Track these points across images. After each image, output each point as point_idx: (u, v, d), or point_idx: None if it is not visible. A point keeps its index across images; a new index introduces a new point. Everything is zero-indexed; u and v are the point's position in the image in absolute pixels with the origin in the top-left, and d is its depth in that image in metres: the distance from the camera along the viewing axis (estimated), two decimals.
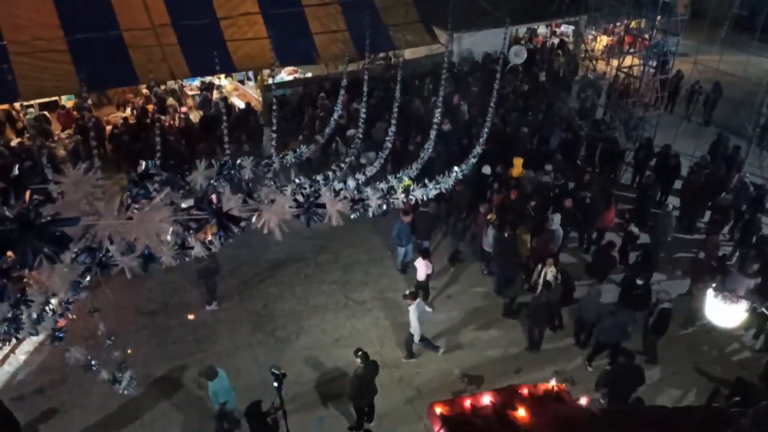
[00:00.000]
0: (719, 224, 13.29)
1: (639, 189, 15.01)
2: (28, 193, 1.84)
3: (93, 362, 4.65)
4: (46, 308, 2.99)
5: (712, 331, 10.57)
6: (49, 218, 1.77)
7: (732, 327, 8.29)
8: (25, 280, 2.45)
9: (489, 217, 12.06)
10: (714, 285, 8.17)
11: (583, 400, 7.29)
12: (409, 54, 19.88)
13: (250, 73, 20.36)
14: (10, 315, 2.64)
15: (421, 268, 11.36)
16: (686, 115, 19.69)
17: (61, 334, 3.58)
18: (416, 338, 10.29)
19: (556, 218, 12.27)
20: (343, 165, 6.21)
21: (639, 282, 10.66)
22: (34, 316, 2.93)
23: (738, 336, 11.07)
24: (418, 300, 9.98)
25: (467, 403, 6.32)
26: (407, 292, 10.14)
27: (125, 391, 5.84)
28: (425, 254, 11.42)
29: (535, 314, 10.61)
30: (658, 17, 16.43)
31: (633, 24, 17.61)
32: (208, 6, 17.26)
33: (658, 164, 15.23)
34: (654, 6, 15.96)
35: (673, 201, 14.56)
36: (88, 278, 2.71)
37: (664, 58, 17.76)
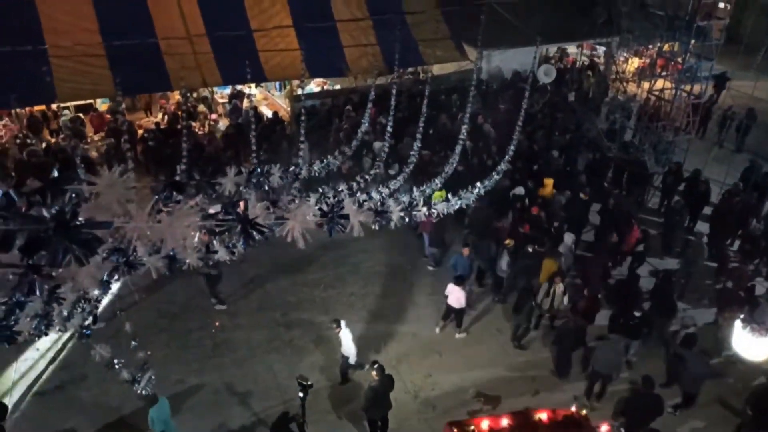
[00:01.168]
0: (749, 254, 12.98)
1: (666, 214, 14.75)
2: (66, 195, 1.90)
3: (116, 361, 4.72)
4: (77, 306, 3.06)
5: (738, 362, 10.27)
6: (82, 221, 1.82)
7: (760, 360, 8.07)
8: (56, 276, 2.52)
9: (507, 242, 11.86)
10: (742, 316, 7.98)
11: (604, 428, 7.13)
12: (437, 69, 19.96)
13: (276, 84, 20.65)
14: (41, 311, 2.71)
15: (455, 295, 10.95)
16: (718, 140, 19.34)
17: (88, 332, 3.66)
18: (351, 359, 9.98)
19: (568, 238, 12.09)
20: (368, 177, 6.24)
21: (636, 314, 10.47)
22: (65, 313, 3.00)
23: (766, 370, 10.74)
24: (344, 326, 9.74)
25: (484, 424, 6.23)
26: (332, 322, 9.93)
27: (143, 392, 5.91)
28: (459, 281, 10.96)
29: (562, 340, 10.45)
30: (692, 41, 16.23)
31: (666, 47, 17.41)
32: (242, 18, 17.59)
33: (687, 189, 14.97)
34: (688, 30, 15.77)
35: (701, 227, 14.29)
36: (116, 277, 2.78)
37: (710, 82, 17.31)
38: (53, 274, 2.13)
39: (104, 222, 1.86)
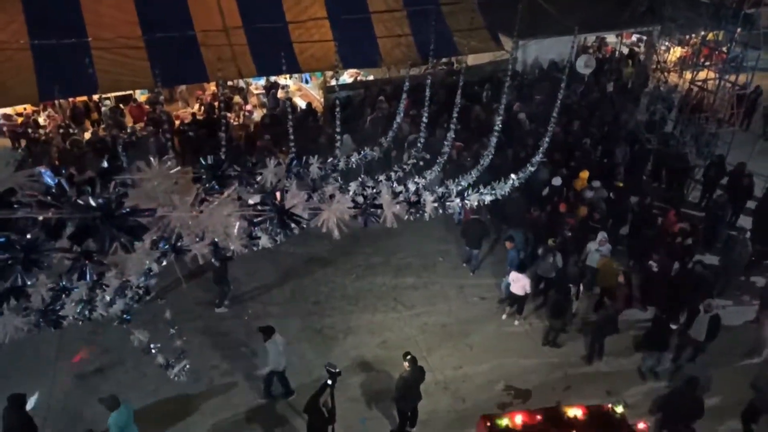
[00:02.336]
0: None
1: (708, 208, 14.33)
2: (112, 184, 1.97)
3: (152, 346, 4.86)
4: (121, 292, 3.17)
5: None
6: (128, 209, 1.88)
7: None
8: (106, 263, 2.61)
9: (549, 242, 11.67)
10: None
11: (641, 426, 7.00)
12: (472, 60, 19.73)
13: (307, 75, 20.73)
14: (86, 297, 2.82)
15: (520, 282, 11.01)
16: (763, 133, 18.64)
17: (128, 317, 3.77)
18: (266, 370, 9.59)
19: (601, 235, 11.76)
20: (405, 167, 6.24)
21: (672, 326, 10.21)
22: (107, 299, 3.11)
23: None
24: (272, 337, 9.24)
25: (518, 419, 6.20)
26: (261, 328, 9.41)
27: (176, 378, 6.06)
28: (522, 268, 11.06)
29: (604, 327, 10.42)
30: (738, 29, 15.63)
31: (710, 36, 16.82)
32: (277, 10, 17.72)
33: (730, 183, 14.49)
34: (735, 18, 15.18)
35: (743, 222, 13.83)
36: (164, 263, 2.86)
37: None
38: (103, 261, 2.20)
39: (148, 210, 1.92)
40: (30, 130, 16.64)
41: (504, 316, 11.66)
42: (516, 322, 11.54)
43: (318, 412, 8.03)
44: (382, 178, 4.75)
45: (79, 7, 15.92)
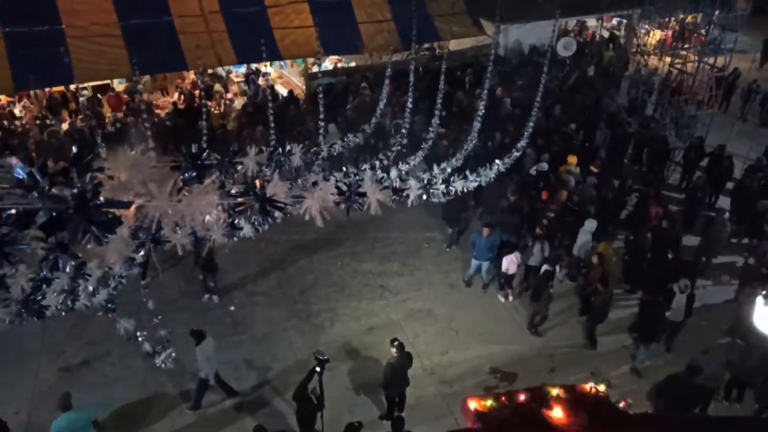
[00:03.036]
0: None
1: (688, 190, 14.52)
2: (87, 176, 1.92)
3: (138, 333, 4.82)
4: (102, 282, 3.13)
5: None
6: (102, 200, 1.85)
7: None
8: (84, 253, 2.57)
9: (537, 230, 11.72)
10: (764, 293, 7.86)
11: (623, 404, 7.13)
12: (454, 45, 19.67)
13: (282, 63, 20.51)
14: (67, 287, 2.78)
15: (508, 260, 11.36)
16: (741, 115, 18.89)
17: (113, 306, 3.73)
18: (211, 380, 9.30)
19: (589, 224, 11.78)
20: (389, 154, 6.21)
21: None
22: (90, 288, 3.07)
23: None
24: (203, 342, 8.94)
25: (502, 399, 6.27)
26: (191, 332, 9.03)
27: (162, 365, 6.03)
28: (507, 251, 11.42)
29: (602, 311, 10.59)
30: (716, 12, 15.76)
31: (689, 18, 16.93)
32: None
33: (710, 165, 14.69)
34: (712, 1, 15.30)
35: (723, 203, 14.05)
36: (141, 253, 2.82)
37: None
38: (79, 254, 2.17)
39: (123, 201, 1.88)
40: (6, 122, 16.27)
41: (501, 299, 11.87)
42: (510, 298, 11.82)
43: (306, 400, 8.06)
44: (366, 165, 4.72)
45: None
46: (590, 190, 13.03)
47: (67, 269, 2.43)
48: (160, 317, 6.12)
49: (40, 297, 2.78)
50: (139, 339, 5.25)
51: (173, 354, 6.20)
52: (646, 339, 10.13)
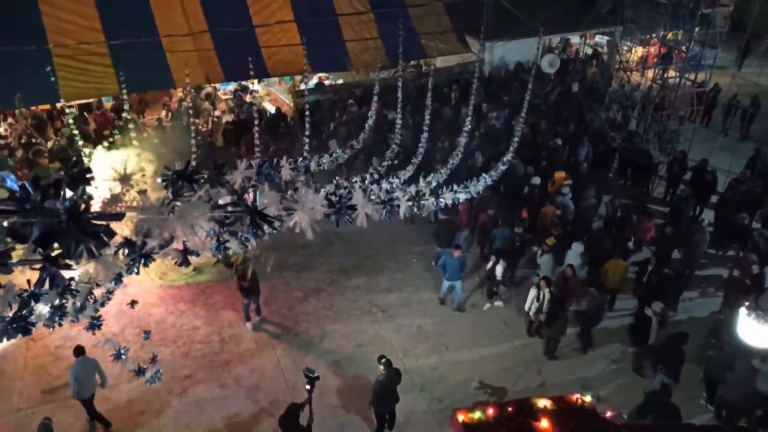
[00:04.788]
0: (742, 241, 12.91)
1: (672, 203, 14.71)
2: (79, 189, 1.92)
3: (122, 351, 4.76)
4: (89, 297, 3.10)
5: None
6: (95, 213, 1.85)
7: (764, 347, 8.06)
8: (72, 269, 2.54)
9: (548, 241, 11.75)
10: (747, 303, 7.97)
11: (609, 414, 7.17)
12: (440, 62, 19.93)
13: (269, 80, 20.62)
14: (56, 303, 2.74)
15: (501, 269, 11.59)
16: (723, 129, 19.25)
17: (98, 322, 3.70)
18: (75, 397, 8.94)
19: (576, 248, 11.60)
20: (380, 169, 6.26)
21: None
22: (78, 304, 3.04)
23: None
24: (78, 359, 8.71)
25: (490, 412, 6.28)
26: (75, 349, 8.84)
27: (149, 383, 5.96)
28: (499, 257, 11.59)
29: (595, 316, 10.77)
30: (696, 29, 16.13)
31: (670, 35, 17.30)
32: (244, 13, 17.59)
33: (693, 179, 14.91)
34: (692, 17, 15.67)
35: (707, 216, 14.24)
36: (135, 271, 2.79)
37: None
38: (72, 266, 2.15)
39: (116, 214, 1.89)
40: None
41: (489, 305, 12.06)
42: (500, 303, 12.02)
43: (295, 422, 7.94)
44: (356, 178, 4.76)
45: (39, 13, 15.55)
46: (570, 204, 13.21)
47: (58, 285, 2.41)
48: (149, 333, 6.05)
49: (27, 314, 2.74)
50: (124, 357, 5.18)
51: (161, 371, 6.12)
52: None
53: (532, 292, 10.84)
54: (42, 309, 2.75)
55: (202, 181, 2.41)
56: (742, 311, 7.27)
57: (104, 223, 1.82)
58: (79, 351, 8.80)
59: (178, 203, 2.20)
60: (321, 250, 13.26)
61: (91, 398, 9.01)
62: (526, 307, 11.00)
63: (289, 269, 12.95)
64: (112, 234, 1.90)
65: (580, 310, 11.23)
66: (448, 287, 11.86)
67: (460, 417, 6.14)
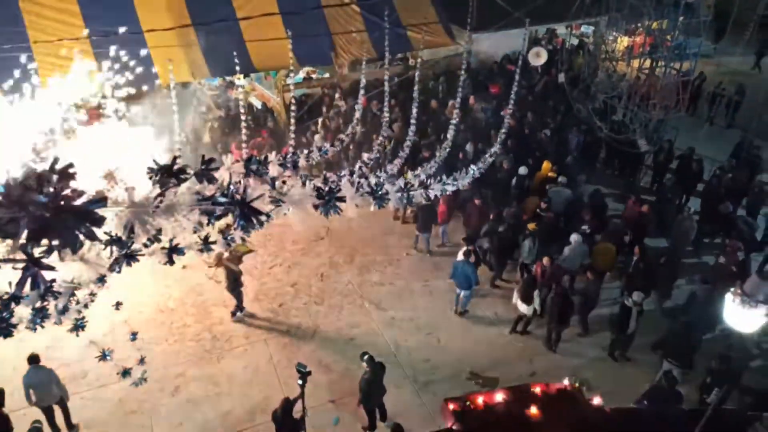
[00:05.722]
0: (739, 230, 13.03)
1: (659, 192, 14.82)
2: (57, 180, 1.88)
3: (107, 352, 4.72)
4: (71, 299, 3.05)
5: (730, 336, 10.37)
6: (79, 199, 1.81)
7: (750, 332, 8.15)
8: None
9: (530, 226, 11.76)
10: (733, 289, 8.03)
11: (597, 400, 7.25)
12: (427, 55, 19.85)
13: (253, 75, 20.44)
14: (38, 305, 2.69)
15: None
16: (708, 117, 19.40)
17: (82, 324, 3.65)
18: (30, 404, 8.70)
19: (575, 238, 11.53)
20: (368, 161, 6.25)
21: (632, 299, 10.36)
22: (60, 306, 2.99)
23: (757, 342, 10.89)
24: (30, 367, 8.45)
25: (480, 400, 6.33)
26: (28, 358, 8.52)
27: (135, 385, 5.92)
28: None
29: (587, 301, 10.90)
30: (680, 18, 16.21)
31: (654, 25, 17.35)
32: (228, 7, 17.40)
33: (680, 167, 15.03)
34: (676, 7, 15.74)
35: (693, 205, 14.38)
36: (117, 270, 2.74)
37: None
38: (53, 267, 2.11)
39: (99, 199, 1.85)
40: None
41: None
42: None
43: (289, 417, 7.93)
44: (344, 172, 4.75)
45: (19, 10, 15.28)
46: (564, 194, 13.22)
47: (39, 286, 2.37)
48: (136, 334, 6.01)
49: (8, 316, 2.68)
50: (108, 358, 5.14)
51: (147, 373, 6.09)
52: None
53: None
54: (23, 311, 2.71)
55: (191, 175, 2.38)
56: (728, 297, 7.33)
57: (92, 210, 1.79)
58: (33, 359, 8.46)
59: (163, 198, 2.16)
60: (311, 246, 13.22)
61: (52, 408, 8.71)
62: (513, 300, 11.11)
63: (279, 265, 12.90)
64: (102, 218, 1.86)
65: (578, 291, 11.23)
66: (456, 295, 11.66)
67: (451, 406, 6.17)
